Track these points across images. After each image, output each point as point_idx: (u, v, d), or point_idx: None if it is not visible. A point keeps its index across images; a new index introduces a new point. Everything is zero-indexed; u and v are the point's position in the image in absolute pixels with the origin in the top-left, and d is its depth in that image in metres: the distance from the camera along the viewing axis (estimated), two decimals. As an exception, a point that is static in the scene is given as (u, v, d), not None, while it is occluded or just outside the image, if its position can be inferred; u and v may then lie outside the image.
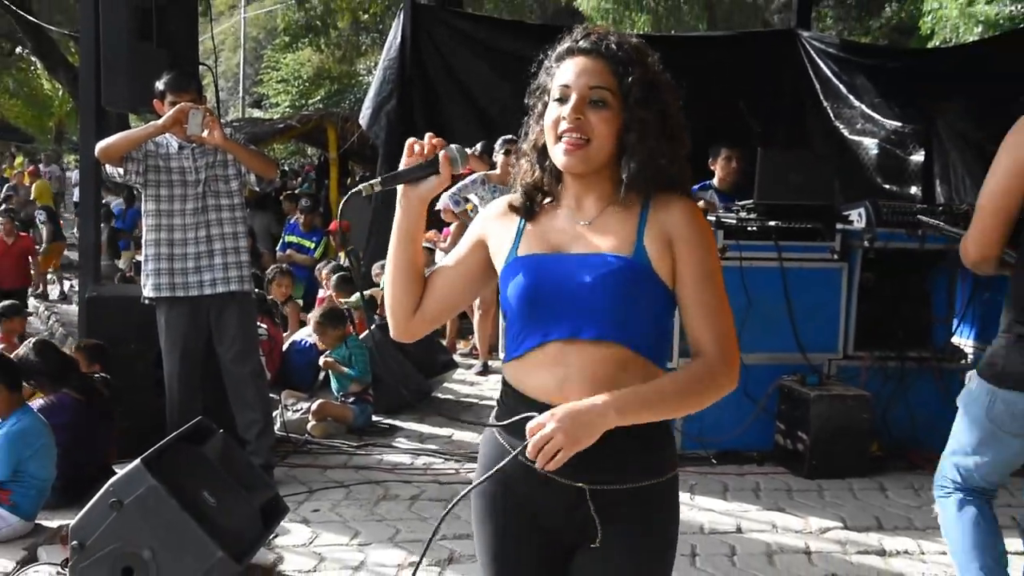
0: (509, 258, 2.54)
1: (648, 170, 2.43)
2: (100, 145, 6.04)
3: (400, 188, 2.63)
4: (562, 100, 2.44)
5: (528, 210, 2.57)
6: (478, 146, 10.37)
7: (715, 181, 8.51)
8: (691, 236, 2.45)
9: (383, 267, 10.95)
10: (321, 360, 8.27)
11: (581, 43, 2.47)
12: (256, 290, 9.13)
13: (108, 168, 6.16)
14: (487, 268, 2.65)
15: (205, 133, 5.84)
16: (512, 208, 2.60)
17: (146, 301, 6.22)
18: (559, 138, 2.44)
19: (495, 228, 2.63)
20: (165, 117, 5.86)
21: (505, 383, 2.59)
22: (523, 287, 2.47)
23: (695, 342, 2.48)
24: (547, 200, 2.59)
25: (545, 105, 2.51)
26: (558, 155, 2.45)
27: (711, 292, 2.47)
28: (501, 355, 7.59)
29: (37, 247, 18.74)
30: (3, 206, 21.78)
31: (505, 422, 2.49)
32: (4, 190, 25.89)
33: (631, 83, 2.41)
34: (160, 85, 6.03)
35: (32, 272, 16.87)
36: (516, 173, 2.65)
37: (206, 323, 6.22)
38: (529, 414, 2.31)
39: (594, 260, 2.44)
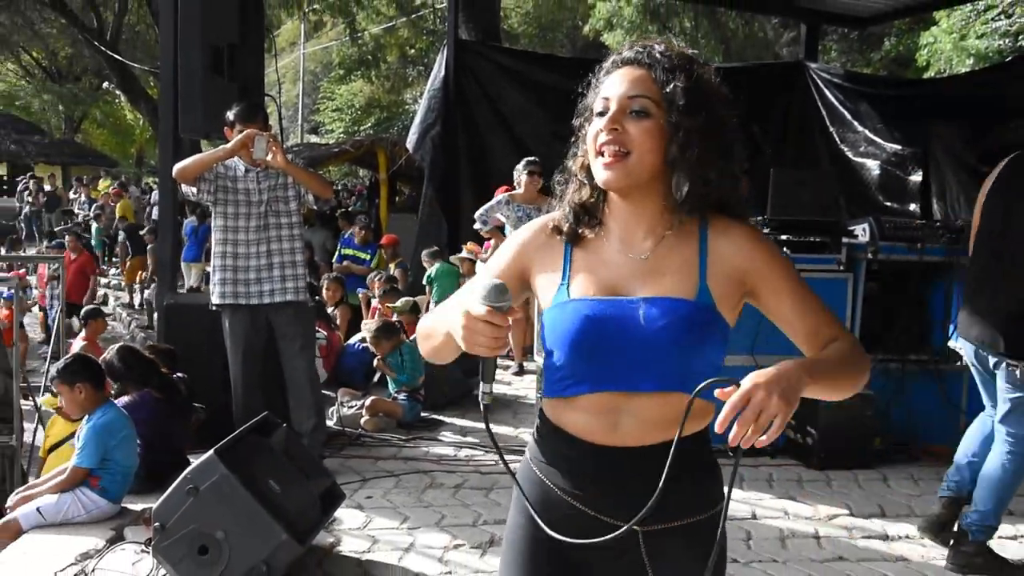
0: (560, 297, 2.20)
1: (697, 186, 2.11)
2: (177, 167, 6.11)
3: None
4: (603, 113, 2.13)
5: (574, 234, 2.24)
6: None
7: None
8: (765, 263, 2.16)
9: (431, 255, 11.03)
10: (375, 362, 8.31)
11: (625, 54, 2.18)
12: (317, 298, 9.24)
13: (183, 188, 6.23)
14: (522, 294, 2.33)
15: (269, 156, 5.90)
16: (555, 229, 2.26)
17: (213, 308, 6.30)
18: (600, 153, 2.12)
19: (539, 258, 2.28)
20: (233, 141, 5.95)
21: (544, 418, 2.28)
22: (577, 335, 2.14)
23: (825, 343, 2.14)
24: (593, 223, 2.23)
25: (591, 123, 2.18)
26: (599, 170, 2.13)
27: (812, 303, 2.17)
28: (537, 358, 7.61)
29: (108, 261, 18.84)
30: (93, 224, 22.03)
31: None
32: (93, 209, 26.22)
33: (674, 90, 2.09)
34: (230, 115, 6.12)
35: (89, 288, 16.76)
36: (560, 195, 2.29)
37: (265, 328, 6.29)
38: (720, 379, 1.92)
39: (657, 306, 2.11)
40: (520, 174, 9.28)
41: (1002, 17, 17.02)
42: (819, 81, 12.90)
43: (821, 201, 7.33)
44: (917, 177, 11.43)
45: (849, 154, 12.18)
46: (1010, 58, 16.05)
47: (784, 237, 7.05)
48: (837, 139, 12.40)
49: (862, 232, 7.23)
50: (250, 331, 6.24)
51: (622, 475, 2.15)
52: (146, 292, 17.70)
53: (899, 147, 11.72)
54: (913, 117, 11.63)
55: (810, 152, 12.63)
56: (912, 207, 11.26)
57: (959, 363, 7.40)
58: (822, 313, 2.17)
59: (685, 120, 2.07)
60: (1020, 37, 16.71)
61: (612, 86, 2.15)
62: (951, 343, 5.50)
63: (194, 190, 6.13)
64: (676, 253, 2.16)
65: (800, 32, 14.71)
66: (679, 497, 2.12)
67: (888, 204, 11.42)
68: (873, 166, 11.89)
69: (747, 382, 1.88)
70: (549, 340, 2.21)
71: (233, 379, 6.30)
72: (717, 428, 1.90)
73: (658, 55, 2.13)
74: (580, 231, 2.23)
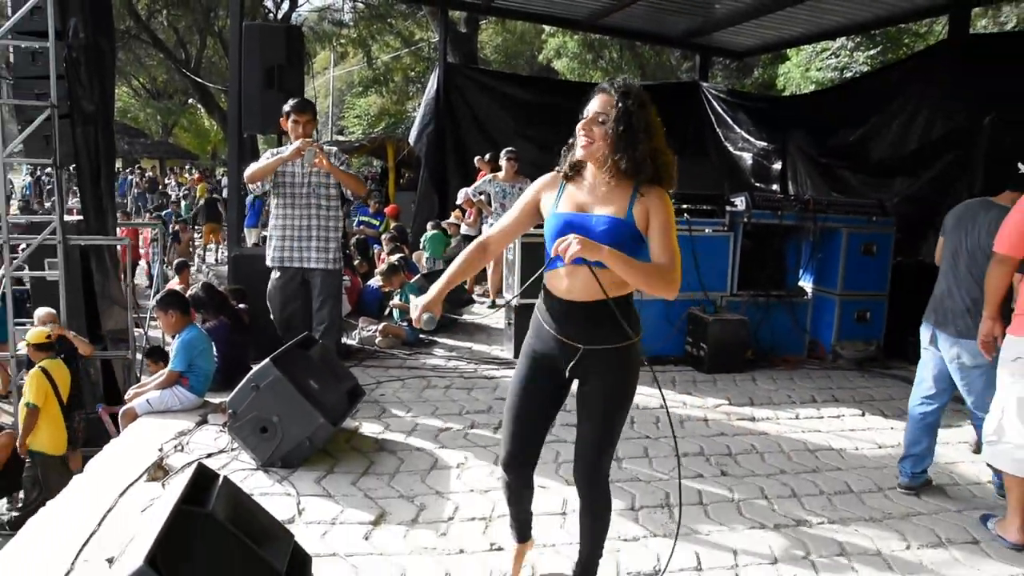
0: (552, 211, 2.85)
1: (613, 160, 2.73)
2: (246, 172, 5.83)
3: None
4: (584, 118, 2.78)
5: (568, 176, 2.88)
6: (488, 155, 10.35)
7: None
8: (658, 209, 2.73)
9: (433, 224, 11.01)
10: (392, 303, 8.23)
11: (602, 85, 2.82)
12: (347, 251, 9.12)
13: (249, 186, 5.92)
14: (535, 217, 2.96)
15: (317, 161, 5.61)
16: (559, 174, 2.92)
17: (269, 266, 6.08)
18: (580, 138, 2.79)
19: (545, 192, 2.93)
20: (290, 150, 5.65)
21: (544, 286, 2.93)
22: (556, 231, 2.75)
23: (657, 260, 2.71)
24: (579, 173, 2.87)
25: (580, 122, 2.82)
26: (578, 148, 2.79)
27: (667, 236, 2.72)
28: (506, 295, 7.59)
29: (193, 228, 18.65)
30: (183, 202, 21.75)
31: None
32: (182, 191, 26.18)
33: (612, 111, 2.72)
34: (287, 107, 5.82)
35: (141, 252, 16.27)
36: (563, 157, 2.91)
37: (300, 284, 6.02)
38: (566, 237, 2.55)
39: (603, 219, 2.75)
40: (502, 159, 9.26)
41: (832, 57, 17.56)
42: (709, 96, 12.88)
43: (711, 181, 7.38)
44: (778, 166, 11.50)
45: (730, 148, 12.21)
46: (838, 83, 16.27)
47: (685, 206, 7.08)
48: (722, 137, 12.41)
49: (740, 203, 7.24)
50: (289, 285, 5.98)
51: (576, 317, 2.82)
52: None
53: (765, 144, 11.77)
54: (775, 123, 11.68)
55: (703, 147, 12.63)
56: (775, 187, 11.31)
57: (805, 297, 7.50)
58: (668, 250, 2.71)
59: (613, 127, 2.72)
60: (844, 71, 17.14)
61: (592, 104, 2.78)
62: None
63: (256, 187, 5.85)
64: (618, 194, 2.78)
65: (695, 61, 14.65)
66: (602, 333, 2.79)
67: (758, 184, 11.47)
68: (747, 157, 11.93)
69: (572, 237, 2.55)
70: (546, 236, 2.80)
71: (273, 314, 6.09)
72: (552, 253, 2.60)
73: (614, 89, 2.76)
74: (572, 176, 2.88)
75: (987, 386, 4.18)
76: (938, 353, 4.41)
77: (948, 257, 4.42)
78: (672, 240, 2.72)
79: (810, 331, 7.49)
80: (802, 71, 18.26)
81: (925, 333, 4.48)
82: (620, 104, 2.72)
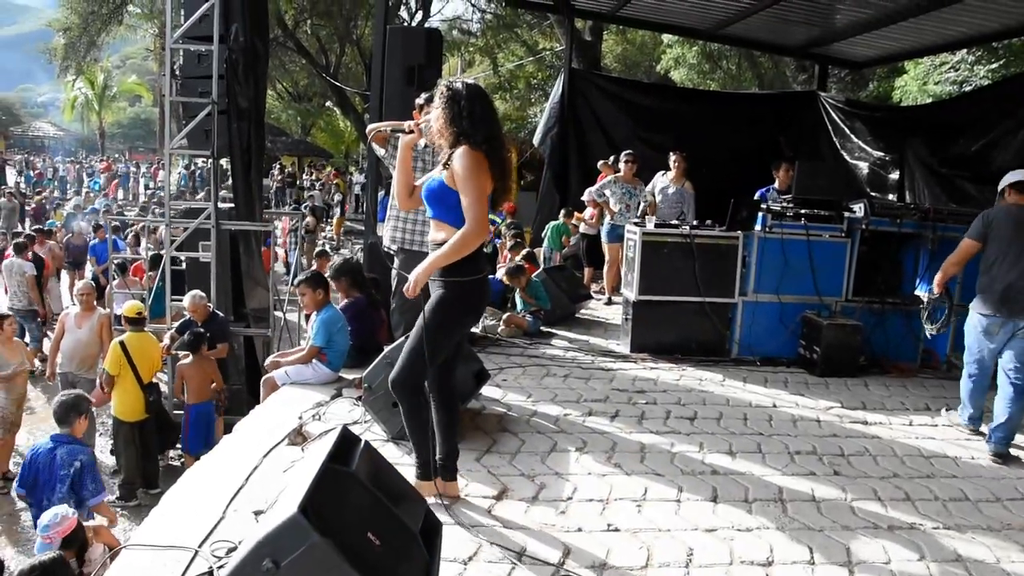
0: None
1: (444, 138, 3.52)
2: (370, 127, 5.24)
3: (401, 136, 3.91)
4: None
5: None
6: (611, 159, 10.29)
7: (776, 184, 8.27)
8: (456, 164, 3.37)
9: (567, 213, 11.01)
10: (518, 294, 8.05)
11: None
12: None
13: (374, 145, 5.47)
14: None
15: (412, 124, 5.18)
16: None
17: (385, 249, 5.72)
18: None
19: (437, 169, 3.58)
20: (414, 123, 5.29)
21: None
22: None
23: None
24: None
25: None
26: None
27: (464, 194, 3.34)
28: (624, 291, 7.50)
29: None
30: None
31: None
32: (319, 185, 27.04)
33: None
34: (419, 100, 5.43)
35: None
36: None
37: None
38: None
39: (433, 181, 3.53)
40: (621, 162, 9.22)
41: (951, 71, 16.64)
42: (827, 105, 12.47)
43: (831, 187, 7.16)
44: (894, 175, 11.07)
45: (847, 158, 11.80)
46: (955, 96, 15.54)
47: (804, 211, 6.90)
48: (839, 146, 12.01)
49: (859, 210, 7.00)
50: (411, 267, 5.46)
51: None
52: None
53: (882, 154, 11.36)
54: (893, 133, 11.23)
55: (819, 157, 12.24)
56: (891, 196, 10.88)
57: (921, 305, 7.15)
58: (465, 203, 3.34)
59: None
60: (963, 84, 16.17)
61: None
62: None
63: (382, 152, 5.45)
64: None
65: (812, 72, 14.23)
66: (439, 274, 3.49)
67: (874, 195, 11.04)
68: (864, 167, 11.53)
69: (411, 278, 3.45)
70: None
71: (393, 297, 5.56)
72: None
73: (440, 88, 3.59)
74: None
75: None
76: (1000, 338, 5.04)
77: (1009, 256, 5.04)
78: (471, 196, 3.32)
79: (924, 340, 7.15)
80: (919, 84, 17.35)
81: (993, 324, 5.06)
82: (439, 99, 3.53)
